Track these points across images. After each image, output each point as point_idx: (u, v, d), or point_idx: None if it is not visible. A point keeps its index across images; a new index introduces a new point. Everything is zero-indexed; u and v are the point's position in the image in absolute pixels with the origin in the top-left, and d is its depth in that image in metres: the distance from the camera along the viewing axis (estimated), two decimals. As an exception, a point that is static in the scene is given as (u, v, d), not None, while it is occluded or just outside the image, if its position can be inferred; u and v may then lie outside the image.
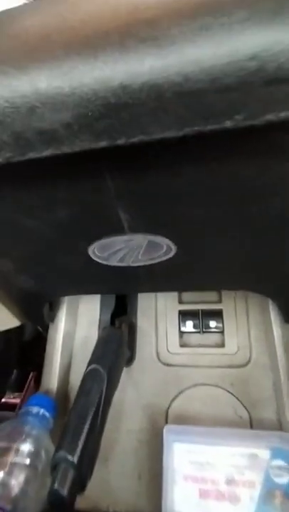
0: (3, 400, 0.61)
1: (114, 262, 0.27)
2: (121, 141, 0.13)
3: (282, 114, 0.11)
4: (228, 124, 0.12)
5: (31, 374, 0.63)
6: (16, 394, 0.65)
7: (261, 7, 0.10)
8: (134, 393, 0.39)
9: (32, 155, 0.14)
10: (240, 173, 0.18)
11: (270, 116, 0.11)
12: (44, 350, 0.45)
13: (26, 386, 0.61)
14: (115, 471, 0.35)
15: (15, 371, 0.66)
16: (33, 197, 0.20)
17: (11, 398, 0.64)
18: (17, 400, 0.61)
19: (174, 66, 0.11)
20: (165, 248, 0.26)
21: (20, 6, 0.20)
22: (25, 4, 0.21)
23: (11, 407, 0.60)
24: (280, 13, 0.10)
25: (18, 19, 0.15)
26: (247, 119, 0.12)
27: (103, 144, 0.13)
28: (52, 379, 0.40)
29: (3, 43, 0.13)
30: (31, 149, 0.13)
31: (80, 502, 0.34)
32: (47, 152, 0.14)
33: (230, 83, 0.11)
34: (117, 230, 0.24)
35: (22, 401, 0.60)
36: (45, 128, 0.13)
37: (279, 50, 0.10)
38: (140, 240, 0.25)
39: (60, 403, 0.38)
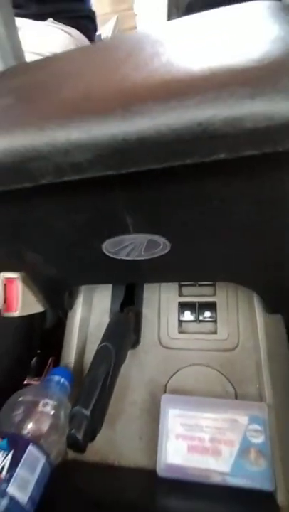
0: (25, 382, 0.69)
1: (122, 256, 0.35)
2: (122, 171, 0.20)
3: (221, 156, 0.18)
4: (189, 161, 0.19)
5: (50, 359, 0.70)
6: (36, 378, 0.73)
7: (207, 95, 0.17)
8: (138, 371, 0.46)
9: (65, 178, 0.21)
10: (213, 191, 0.25)
11: (214, 157, 0.18)
12: (61, 337, 0.53)
13: (46, 370, 0.69)
14: (121, 433, 0.42)
15: (35, 358, 0.74)
16: (62, 205, 0.28)
17: (32, 381, 0.71)
18: (37, 383, 0.69)
19: (153, 128, 0.18)
20: (162, 245, 0.33)
21: (61, 64, 0.28)
22: (64, 60, 0.29)
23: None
24: (217, 99, 0.17)
25: (59, 87, 0.22)
26: (200, 158, 0.19)
27: (111, 172, 0.20)
28: (70, 357, 0.48)
29: (48, 107, 0.21)
30: (65, 175, 0.21)
31: (92, 456, 0.41)
32: (75, 177, 0.21)
33: (187, 138, 0.18)
34: (124, 230, 0.31)
35: (42, 382, 0.67)
36: (75, 162, 0.20)
37: (216, 120, 0.17)
38: (142, 238, 0.32)
39: (76, 377, 0.46)
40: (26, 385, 0.68)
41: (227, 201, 0.26)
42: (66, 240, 0.33)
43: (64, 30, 0.79)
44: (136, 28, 1.08)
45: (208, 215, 0.28)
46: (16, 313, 0.44)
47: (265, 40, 0.19)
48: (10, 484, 0.28)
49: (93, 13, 0.87)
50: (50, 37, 0.76)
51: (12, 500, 0.27)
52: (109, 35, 1.05)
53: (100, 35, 1.01)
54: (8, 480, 0.28)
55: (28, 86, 0.24)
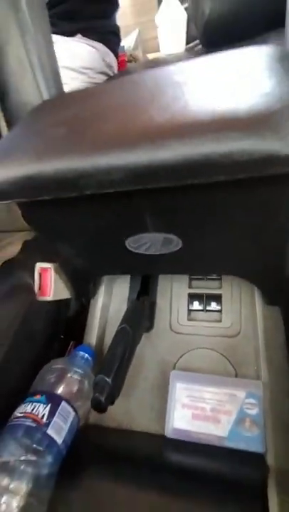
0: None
1: (142, 250, 0.41)
2: (144, 187, 0.27)
3: (221, 178, 0.25)
4: (196, 181, 0.25)
5: (71, 343, 0.78)
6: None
7: (209, 136, 0.24)
8: (151, 352, 0.53)
9: (104, 191, 0.28)
10: (217, 202, 0.31)
11: (215, 179, 0.25)
12: (81, 324, 0.60)
13: (68, 352, 0.77)
14: (135, 404, 0.49)
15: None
16: (97, 209, 0.35)
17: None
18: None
19: (170, 157, 0.25)
20: (175, 242, 0.39)
21: (99, 99, 0.35)
22: (101, 96, 0.36)
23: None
24: (216, 139, 0.24)
25: (100, 121, 0.29)
26: (205, 179, 0.25)
27: (138, 187, 0.27)
28: (92, 338, 0.55)
29: (93, 138, 0.28)
30: (104, 189, 0.28)
31: (110, 422, 0.48)
32: (111, 190, 0.28)
33: (195, 165, 0.24)
34: (145, 229, 0.38)
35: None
36: (111, 179, 0.27)
37: (215, 154, 0.24)
38: (159, 236, 0.39)
39: (97, 355, 0.53)
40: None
41: (228, 210, 0.32)
42: (97, 237, 0.40)
43: (91, 45, 0.86)
44: (157, 38, 1.15)
45: (214, 219, 0.35)
46: (49, 298, 0.51)
47: (257, 93, 0.25)
48: (49, 428, 0.35)
49: (118, 28, 0.94)
50: (79, 52, 0.84)
51: (51, 439, 0.35)
52: (132, 45, 1.12)
53: (123, 46, 1.08)
54: (47, 424, 0.35)
55: (76, 119, 0.31)
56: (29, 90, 0.44)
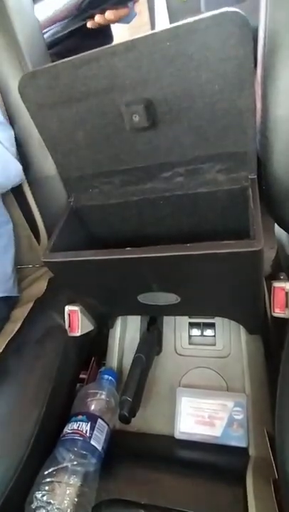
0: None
1: (149, 302, 0.55)
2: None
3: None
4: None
5: (93, 358, 0.92)
6: (84, 371, 0.96)
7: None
8: (161, 371, 0.66)
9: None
10: (203, 274, 0.44)
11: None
12: (101, 344, 0.74)
13: (90, 366, 0.91)
14: (150, 413, 0.63)
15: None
16: (118, 277, 0.48)
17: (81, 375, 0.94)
18: (85, 376, 0.91)
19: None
20: (174, 298, 0.53)
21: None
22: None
23: (81, 380, 0.90)
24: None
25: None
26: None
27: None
28: (113, 361, 0.69)
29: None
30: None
31: (132, 428, 0.61)
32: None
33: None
34: (151, 290, 0.51)
35: (88, 376, 0.90)
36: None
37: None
38: (161, 294, 0.52)
39: (118, 375, 0.67)
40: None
41: (210, 279, 0.45)
42: (117, 293, 0.54)
43: None
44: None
45: (202, 283, 0.48)
46: (77, 334, 0.65)
47: None
48: (92, 439, 0.50)
49: None
50: None
51: (94, 447, 0.49)
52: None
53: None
54: (90, 437, 0.50)
55: None
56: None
